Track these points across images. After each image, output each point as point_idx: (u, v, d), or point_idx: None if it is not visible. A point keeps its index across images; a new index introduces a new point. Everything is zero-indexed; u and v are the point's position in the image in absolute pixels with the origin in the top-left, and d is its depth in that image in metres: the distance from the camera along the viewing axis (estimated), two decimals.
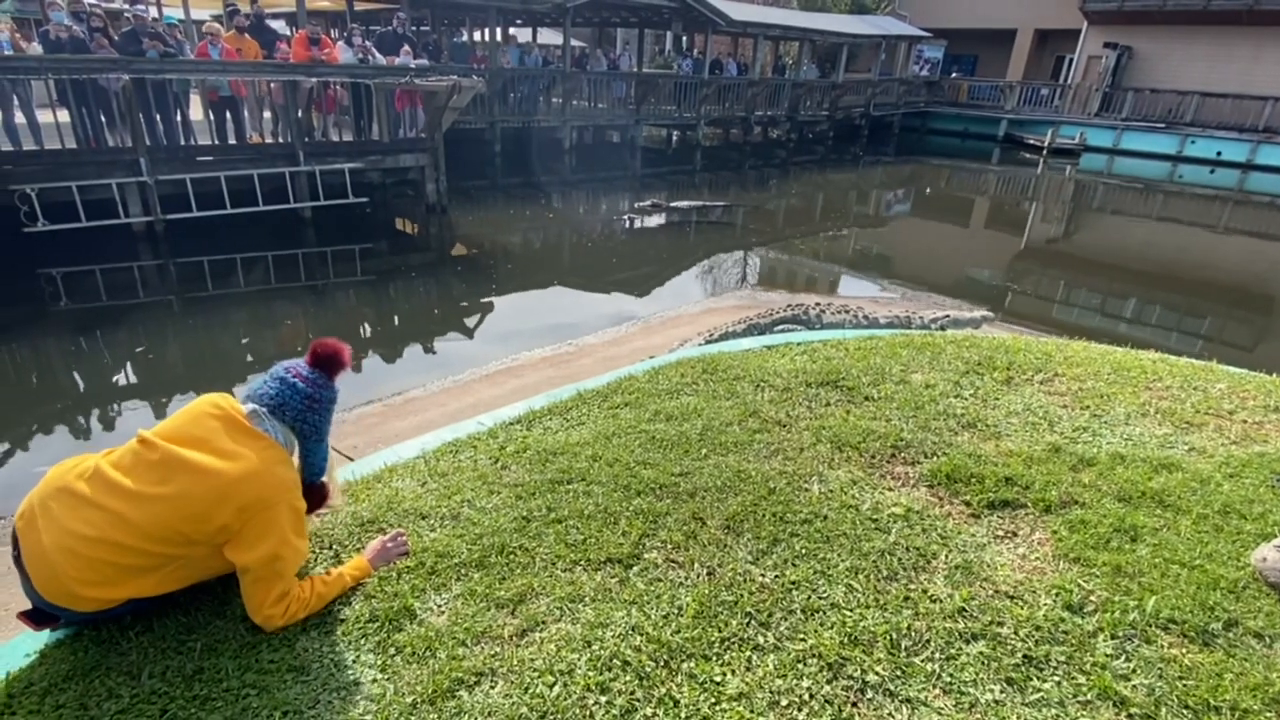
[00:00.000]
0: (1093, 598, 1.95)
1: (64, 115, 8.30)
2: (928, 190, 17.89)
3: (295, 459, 1.99)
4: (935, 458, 2.66)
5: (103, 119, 8.53)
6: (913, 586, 1.97)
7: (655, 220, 11.99)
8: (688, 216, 12.14)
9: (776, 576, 1.99)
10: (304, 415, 1.92)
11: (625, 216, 12.71)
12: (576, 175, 16.12)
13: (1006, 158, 23.04)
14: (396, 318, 7.85)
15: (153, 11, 15.62)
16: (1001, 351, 3.83)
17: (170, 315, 7.26)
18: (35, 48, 8.93)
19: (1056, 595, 1.95)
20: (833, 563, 2.04)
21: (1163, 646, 1.79)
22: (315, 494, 2.06)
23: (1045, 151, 22.66)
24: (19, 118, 8.64)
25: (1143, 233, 14.48)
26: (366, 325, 7.55)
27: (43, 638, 1.89)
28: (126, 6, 17.76)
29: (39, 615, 1.82)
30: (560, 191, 14.72)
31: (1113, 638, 1.81)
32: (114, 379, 5.97)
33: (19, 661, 1.82)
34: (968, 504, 2.40)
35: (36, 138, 8.56)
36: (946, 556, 2.11)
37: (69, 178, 7.99)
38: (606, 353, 6.32)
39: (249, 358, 6.61)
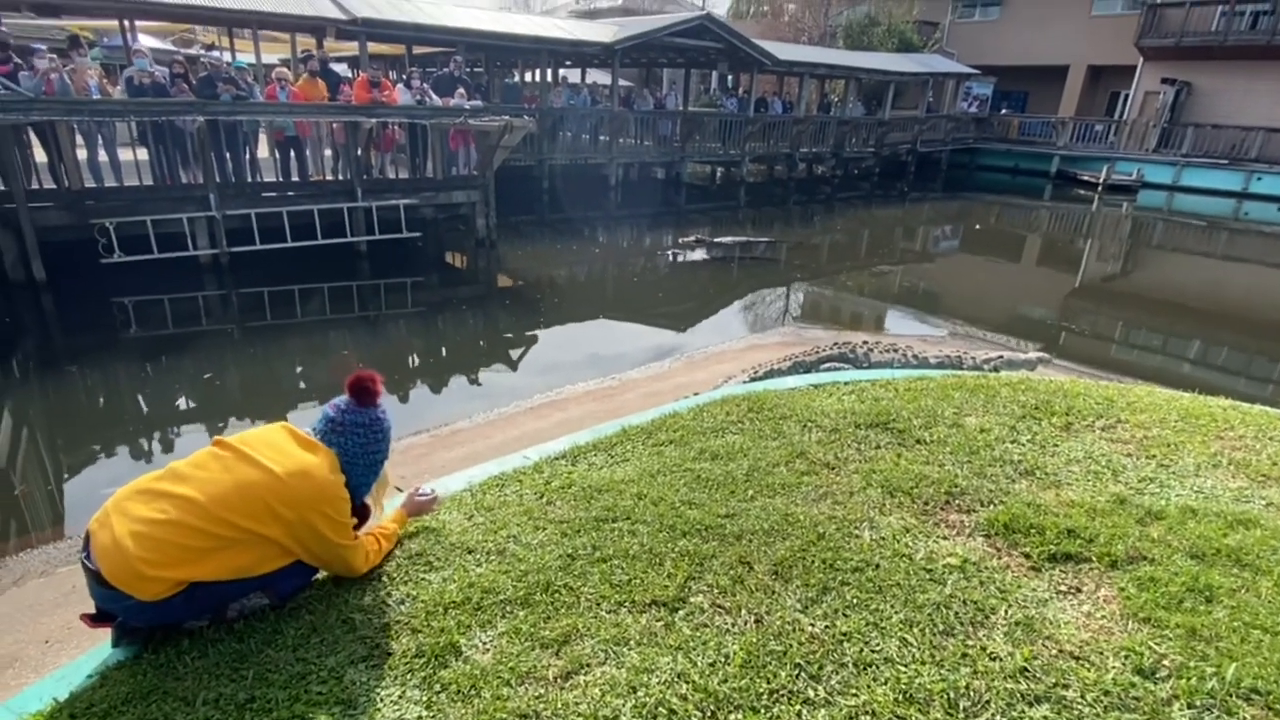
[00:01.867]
0: (1166, 662, 1.84)
1: (143, 153, 8.83)
2: (977, 226, 17.62)
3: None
4: (992, 506, 2.56)
5: (178, 157, 9.04)
6: (971, 643, 1.89)
7: (699, 255, 12.05)
8: (731, 252, 12.17)
9: (827, 627, 1.93)
10: (327, 437, 2.15)
11: (669, 251, 12.82)
12: (622, 210, 16.36)
13: (1059, 194, 22.59)
14: (444, 348, 8.02)
15: (226, 55, 16.61)
16: (1059, 395, 3.70)
17: (231, 343, 7.56)
18: (119, 91, 9.55)
19: (1126, 658, 1.85)
20: (886, 614, 1.98)
21: (1245, 719, 1.67)
22: (358, 513, 2.24)
23: (1100, 188, 22.15)
24: (102, 155, 9.21)
25: (1207, 271, 13.96)
26: (415, 355, 7.73)
27: (105, 660, 1.95)
28: (202, 52, 18.94)
29: (100, 616, 1.95)
30: (605, 226, 14.95)
31: (1189, 707, 1.70)
32: (177, 404, 6.21)
33: (82, 681, 1.89)
34: (1027, 556, 2.30)
35: (117, 175, 9.11)
36: (1006, 612, 2.02)
37: (144, 212, 8.46)
38: (650, 388, 6.33)
39: (302, 385, 6.82)
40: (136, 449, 5.42)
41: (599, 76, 23.64)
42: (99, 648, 2.06)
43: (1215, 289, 12.42)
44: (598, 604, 2.04)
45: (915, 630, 1.92)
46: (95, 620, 1.95)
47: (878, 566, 2.19)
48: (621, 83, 19.06)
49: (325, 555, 2.09)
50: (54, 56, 9.38)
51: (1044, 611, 2.03)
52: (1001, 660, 1.83)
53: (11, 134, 7.77)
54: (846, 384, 3.97)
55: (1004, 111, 27.80)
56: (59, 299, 8.09)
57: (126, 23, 13.58)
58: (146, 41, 15.89)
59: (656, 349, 7.79)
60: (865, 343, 5.87)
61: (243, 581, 2.00)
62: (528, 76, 21.45)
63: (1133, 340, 9.41)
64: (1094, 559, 2.28)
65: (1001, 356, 5.66)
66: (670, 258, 12.38)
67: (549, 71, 19.27)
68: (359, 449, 2.17)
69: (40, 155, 8.78)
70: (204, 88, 9.46)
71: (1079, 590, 2.15)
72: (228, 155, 9.24)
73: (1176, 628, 1.96)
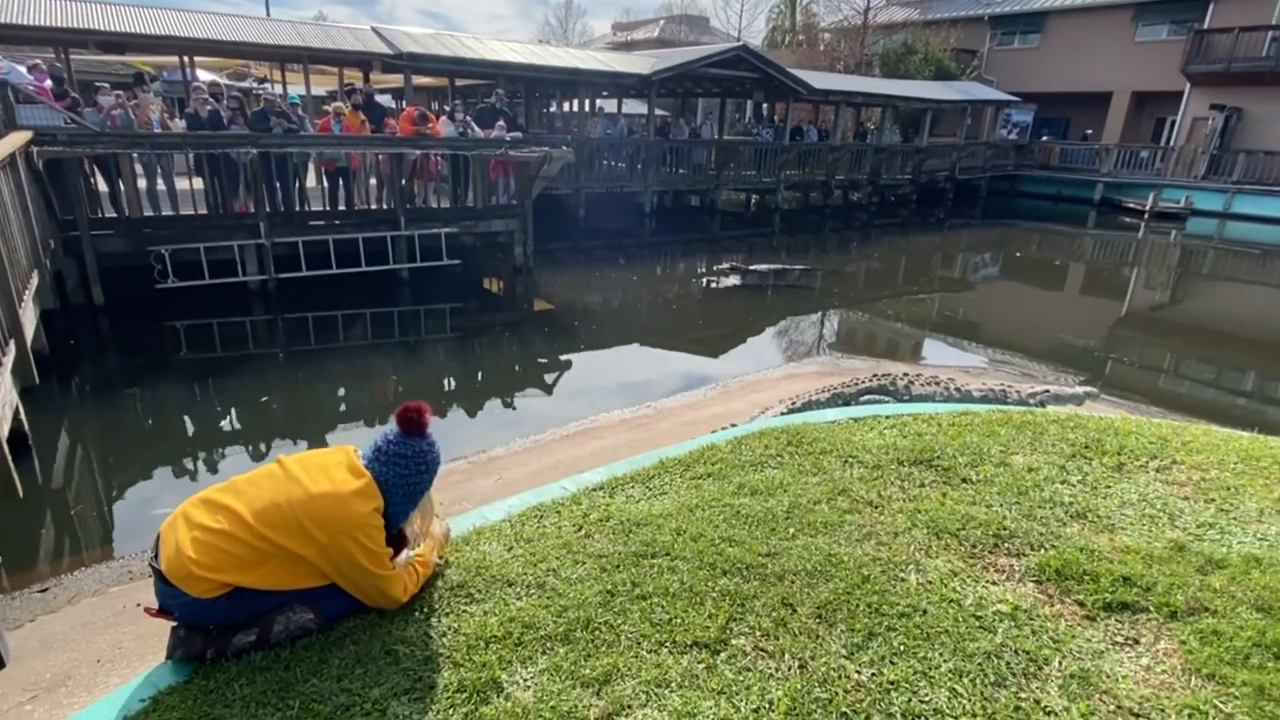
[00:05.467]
0: None
1: (198, 183, 9.21)
2: (1018, 254, 17.32)
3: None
4: (1043, 550, 2.49)
5: (231, 187, 9.40)
6: (1024, 695, 1.83)
7: (733, 282, 12.05)
8: (766, 280, 12.15)
9: (873, 674, 1.89)
10: (373, 465, 2.24)
11: (703, 279, 12.84)
12: (656, 237, 16.49)
13: (1104, 221, 22.13)
14: (481, 373, 8.12)
15: (277, 88, 17.29)
16: (1110, 434, 3.60)
17: (276, 366, 7.77)
18: (179, 124, 10.00)
19: (1190, 717, 1.77)
20: (934, 663, 1.93)
21: None
22: (394, 540, 2.29)
23: (1147, 215, 21.65)
24: (160, 185, 9.63)
25: (1264, 301, 13.49)
26: (452, 380, 7.84)
27: (157, 684, 2.01)
28: (255, 85, 19.75)
29: (162, 611, 2.12)
30: (640, 253, 15.07)
31: None
32: (224, 426, 6.38)
33: (135, 706, 1.93)
34: (1081, 604, 2.23)
35: (173, 204, 9.51)
36: (1060, 663, 1.95)
37: (198, 240, 8.80)
38: (685, 417, 6.31)
39: (343, 408, 6.95)
40: (185, 470, 5.57)
41: (635, 106, 24.00)
42: (150, 670, 2.12)
43: (1273, 319, 11.98)
44: (638, 643, 2.03)
45: (965, 680, 1.87)
46: (157, 613, 2.12)
47: (925, 612, 2.13)
48: (657, 112, 19.32)
49: (361, 582, 2.14)
50: (120, 94, 9.88)
51: (1100, 664, 1.96)
52: (1057, 715, 1.77)
53: (78, 166, 8.17)
54: (888, 418, 3.91)
55: (1045, 138, 27.44)
56: (115, 322, 8.42)
57: (186, 59, 14.27)
58: (203, 76, 16.66)
59: (691, 376, 7.77)
60: (906, 375, 5.77)
61: (284, 593, 2.11)
62: (565, 106, 21.88)
63: (1184, 372, 9.10)
64: (1152, 609, 2.20)
65: (1048, 391, 5.52)
66: (704, 284, 12.40)
67: (586, 102, 19.64)
68: (400, 479, 2.24)
69: (102, 185, 9.22)
70: (258, 121, 9.85)
71: (1137, 642, 2.07)
72: (278, 185, 9.57)
73: (1243, 685, 1.87)
